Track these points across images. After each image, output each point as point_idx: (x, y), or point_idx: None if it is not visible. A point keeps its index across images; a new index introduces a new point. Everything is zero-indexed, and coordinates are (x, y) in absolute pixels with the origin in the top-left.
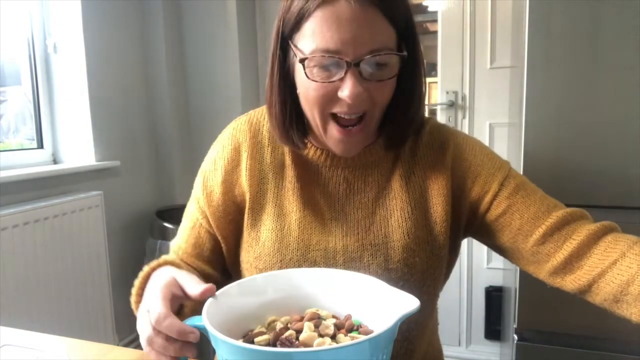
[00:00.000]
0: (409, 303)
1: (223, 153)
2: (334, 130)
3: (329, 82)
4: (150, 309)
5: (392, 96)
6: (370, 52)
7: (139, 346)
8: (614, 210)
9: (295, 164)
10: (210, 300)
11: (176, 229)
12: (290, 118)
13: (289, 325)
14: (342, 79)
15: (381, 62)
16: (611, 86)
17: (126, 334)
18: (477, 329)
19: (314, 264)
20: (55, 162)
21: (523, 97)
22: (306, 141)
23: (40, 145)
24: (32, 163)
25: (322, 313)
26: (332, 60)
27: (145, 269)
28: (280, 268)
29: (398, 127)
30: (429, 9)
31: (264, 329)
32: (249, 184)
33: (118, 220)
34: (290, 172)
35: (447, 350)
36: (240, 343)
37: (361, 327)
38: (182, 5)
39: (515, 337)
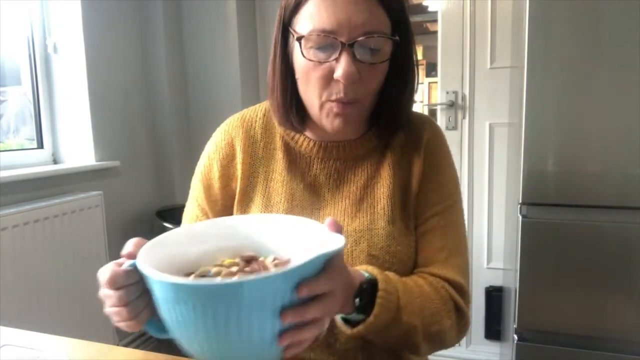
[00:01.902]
0: (334, 242)
1: (217, 148)
2: (330, 105)
3: (325, 62)
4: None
5: (384, 84)
6: (364, 34)
7: (139, 346)
8: (614, 210)
9: (287, 157)
10: (147, 245)
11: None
12: (291, 102)
13: (224, 264)
14: (337, 59)
15: (374, 47)
16: (611, 86)
17: (126, 334)
18: (477, 329)
19: None
20: (55, 162)
21: (523, 97)
22: (305, 125)
23: (40, 145)
24: (32, 163)
25: (262, 257)
26: (328, 41)
27: None
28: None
29: (391, 114)
30: (429, 9)
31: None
32: (241, 177)
33: (118, 220)
34: (280, 165)
35: (447, 350)
36: (157, 275)
37: None
38: (182, 5)
39: (515, 337)
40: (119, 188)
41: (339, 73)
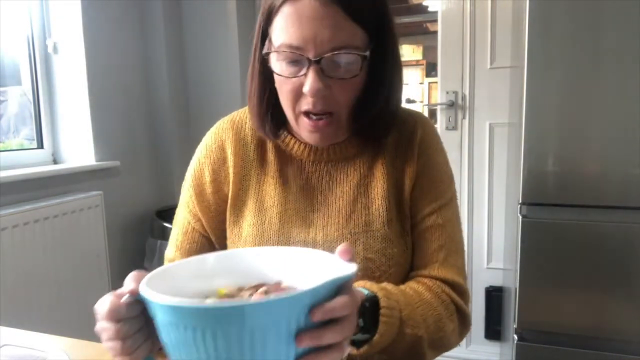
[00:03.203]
0: (346, 268)
1: (208, 152)
2: (305, 122)
3: (295, 77)
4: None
5: (363, 93)
6: (332, 50)
7: None
8: (614, 210)
9: (279, 159)
10: (154, 273)
11: None
12: (267, 108)
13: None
14: (305, 75)
15: (344, 61)
16: (611, 86)
17: None
18: (477, 329)
19: None
20: (55, 162)
21: (523, 97)
22: (280, 132)
23: (40, 145)
24: (32, 163)
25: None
26: (295, 56)
27: None
28: None
29: (366, 123)
30: (429, 9)
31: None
32: (233, 180)
33: (118, 220)
34: (272, 168)
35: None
36: (157, 297)
37: None
38: (182, 5)
39: (515, 337)
40: (119, 188)
41: (306, 89)
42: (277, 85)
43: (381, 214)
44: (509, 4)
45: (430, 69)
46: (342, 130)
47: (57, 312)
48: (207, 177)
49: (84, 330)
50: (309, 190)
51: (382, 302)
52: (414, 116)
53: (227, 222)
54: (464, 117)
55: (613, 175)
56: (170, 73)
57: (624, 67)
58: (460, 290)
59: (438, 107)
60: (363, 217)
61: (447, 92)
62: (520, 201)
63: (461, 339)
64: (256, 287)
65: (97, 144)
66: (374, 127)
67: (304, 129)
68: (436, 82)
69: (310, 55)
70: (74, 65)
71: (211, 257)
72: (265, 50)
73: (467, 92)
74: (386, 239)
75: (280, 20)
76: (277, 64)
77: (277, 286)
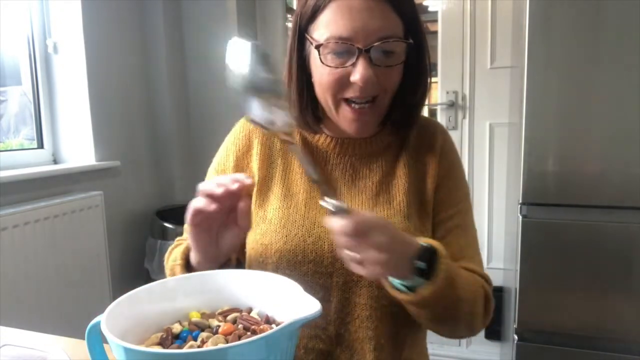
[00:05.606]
0: (310, 307)
1: (235, 140)
2: (346, 111)
3: (342, 67)
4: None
5: (399, 83)
6: (380, 40)
7: None
8: (614, 210)
9: (305, 150)
10: (115, 303)
11: (176, 229)
12: (307, 104)
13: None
14: (354, 64)
15: (389, 50)
16: (611, 86)
17: None
18: None
19: (318, 239)
20: (55, 162)
21: (523, 97)
22: (321, 126)
23: (41, 145)
24: (32, 163)
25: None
26: (345, 47)
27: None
28: (286, 243)
29: (404, 110)
30: (429, 9)
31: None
32: (258, 167)
33: (118, 220)
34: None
35: (447, 351)
36: (121, 343)
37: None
38: (182, 5)
39: (515, 337)
40: (119, 188)
41: (356, 77)
42: (319, 78)
43: (402, 209)
44: (509, 4)
45: (430, 69)
46: (378, 120)
47: (57, 312)
48: (231, 163)
49: (84, 330)
50: (332, 181)
51: (442, 252)
52: (433, 123)
53: (253, 206)
54: (464, 117)
55: (613, 175)
56: (170, 73)
57: (623, 67)
58: (489, 282)
59: (438, 107)
60: (385, 211)
61: (447, 92)
62: (520, 201)
63: (482, 328)
64: (226, 312)
65: (97, 144)
66: (405, 119)
67: (344, 117)
68: (436, 82)
69: (360, 45)
70: (74, 65)
71: (176, 279)
72: (316, 44)
73: (467, 92)
74: (406, 231)
75: (327, 15)
76: (323, 57)
77: (248, 314)
